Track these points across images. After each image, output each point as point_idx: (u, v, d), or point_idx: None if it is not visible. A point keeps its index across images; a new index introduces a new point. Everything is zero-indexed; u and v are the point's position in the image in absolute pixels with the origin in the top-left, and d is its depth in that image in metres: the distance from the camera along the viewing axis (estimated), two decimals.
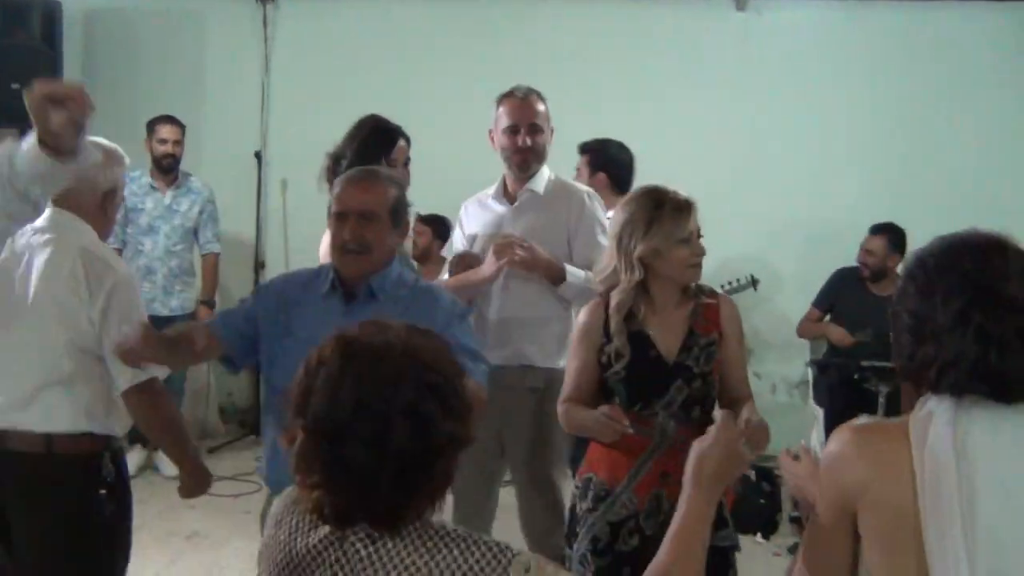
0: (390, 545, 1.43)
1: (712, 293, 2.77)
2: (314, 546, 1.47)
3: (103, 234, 2.77)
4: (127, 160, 2.83)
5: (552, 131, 3.45)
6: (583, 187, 3.57)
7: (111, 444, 2.64)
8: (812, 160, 6.21)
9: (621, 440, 2.56)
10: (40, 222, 2.65)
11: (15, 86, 3.32)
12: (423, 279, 2.82)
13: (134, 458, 5.08)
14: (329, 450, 1.41)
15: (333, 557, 1.45)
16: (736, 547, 2.72)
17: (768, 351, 6.20)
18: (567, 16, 6.34)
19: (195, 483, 2.80)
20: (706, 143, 6.16)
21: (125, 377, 2.59)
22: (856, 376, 4.83)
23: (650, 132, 6.01)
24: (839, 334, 5.23)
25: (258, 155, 6.56)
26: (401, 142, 3.29)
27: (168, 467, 5.30)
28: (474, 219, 3.52)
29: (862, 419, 1.66)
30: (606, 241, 2.91)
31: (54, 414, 2.52)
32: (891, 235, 5.16)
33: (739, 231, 5.93)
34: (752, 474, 4.69)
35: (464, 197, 3.66)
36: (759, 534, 4.74)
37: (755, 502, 4.73)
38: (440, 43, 6.43)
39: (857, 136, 6.20)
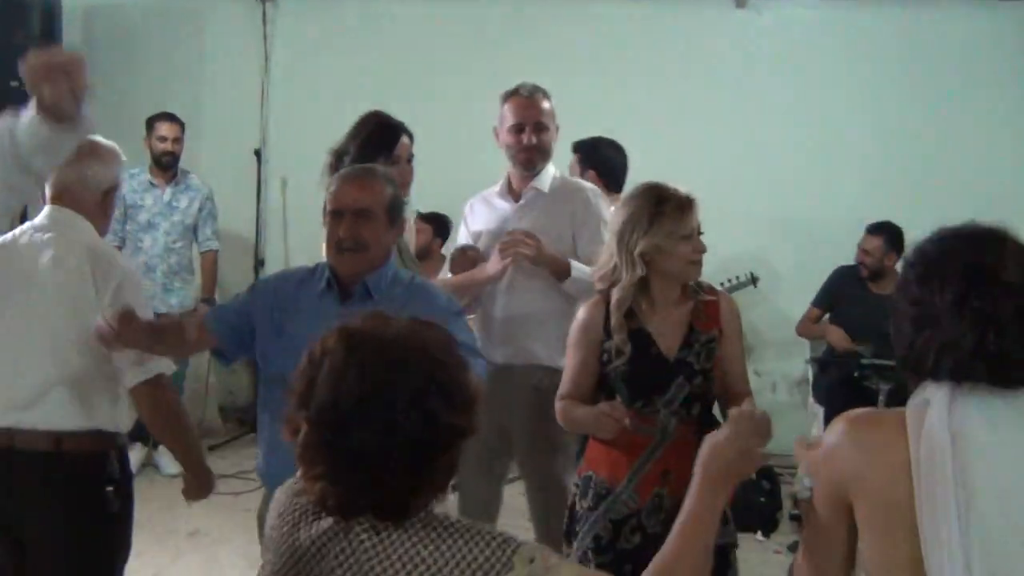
0: (394, 536, 1.43)
1: (711, 290, 2.77)
2: (318, 537, 1.47)
3: (101, 231, 2.77)
4: (123, 158, 2.82)
5: (557, 129, 3.44)
6: (588, 185, 3.57)
7: (117, 441, 2.64)
8: (812, 158, 6.20)
9: (620, 438, 2.56)
10: (40, 220, 2.66)
11: (14, 84, 3.33)
12: (419, 277, 2.81)
13: (134, 456, 5.05)
14: (333, 441, 1.41)
15: (338, 548, 1.45)
16: (735, 544, 2.72)
17: (768, 349, 6.20)
18: (567, 14, 6.34)
19: (200, 484, 2.79)
20: (706, 141, 6.16)
21: (134, 373, 2.59)
22: (857, 374, 4.82)
23: (650, 130, 6.02)
24: (838, 336, 5.21)
25: (258, 153, 6.55)
26: (404, 138, 3.29)
27: (169, 465, 5.31)
28: (479, 217, 3.52)
29: (859, 410, 1.66)
30: None
31: (63, 412, 2.51)
32: (888, 234, 5.15)
33: (739, 228, 5.92)
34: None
35: (463, 194, 3.65)
36: (759, 532, 4.74)
37: (755, 500, 4.73)
38: (439, 41, 6.43)
39: (857, 134, 6.20)
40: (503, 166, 3.52)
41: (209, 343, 2.65)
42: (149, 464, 5.48)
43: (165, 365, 2.66)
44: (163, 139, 5.62)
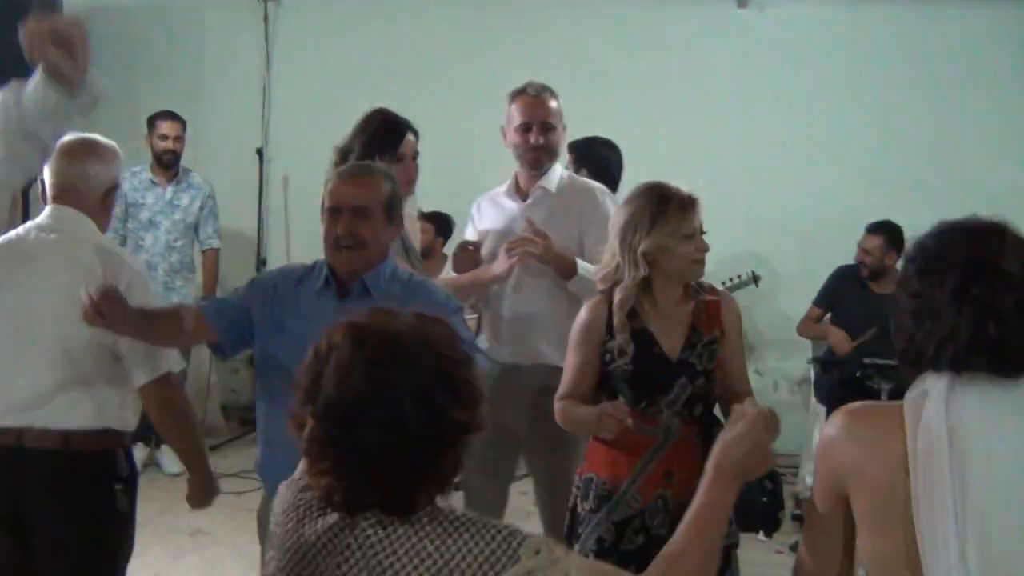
0: (400, 531, 1.43)
1: (713, 290, 2.76)
2: (324, 532, 1.47)
3: (102, 229, 2.77)
4: (121, 156, 2.82)
5: (565, 128, 3.43)
6: (596, 184, 3.56)
7: (124, 439, 2.65)
8: (813, 157, 6.20)
9: (622, 439, 2.56)
10: (45, 220, 2.65)
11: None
12: (417, 274, 2.80)
13: (136, 456, 5.08)
14: (339, 436, 1.41)
15: (344, 543, 1.45)
16: (736, 544, 2.72)
17: (770, 348, 6.20)
18: (569, 14, 6.34)
19: (203, 488, 2.79)
20: (707, 140, 6.16)
21: (144, 371, 2.59)
22: (858, 374, 4.82)
23: (651, 129, 6.03)
24: (838, 338, 5.20)
25: (260, 152, 6.55)
26: (409, 136, 3.26)
27: (170, 464, 5.31)
28: (487, 217, 3.51)
29: (859, 403, 1.67)
30: None
31: (74, 411, 2.51)
32: (888, 233, 5.15)
33: (741, 228, 5.92)
34: None
35: (465, 193, 3.65)
36: (762, 532, 4.74)
37: (758, 500, 4.72)
38: (441, 40, 6.43)
39: (858, 133, 6.20)
40: (506, 165, 3.51)
41: (207, 336, 2.63)
42: (151, 464, 5.49)
43: (173, 363, 2.67)
44: (164, 137, 5.62)
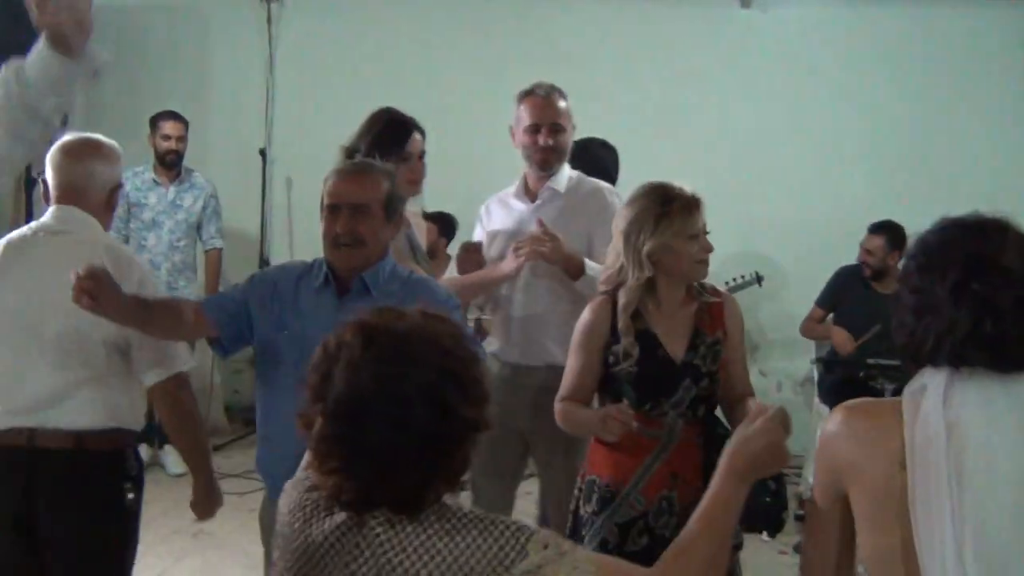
0: (409, 529, 1.43)
1: (715, 291, 2.76)
2: (331, 532, 1.47)
3: (105, 229, 2.77)
4: (123, 156, 2.82)
5: (574, 128, 3.43)
6: (605, 184, 3.55)
7: (133, 438, 2.66)
8: (817, 157, 6.19)
9: (625, 441, 2.55)
10: (52, 220, 2.64)
11: None
12: (416, 273, 2.79)
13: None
14: (349, 433, 1.42)
15: (353, 543, 1.45)
16: (740, 545, 2.71)
17: (773, 348, 6.20)
18: (571, 14, 6.33)
19: (208, 493, 2.79)
20: (711, 139, 6.15)
21: (156, 371, 2.60)
22: (862, 374, 4.82)
23: (655, 128, 6.03)
24: (842, 339, 5.19)
25: (263, 153, 6.55)
26: (416, 135, 3.25)
27: (174, 465, 5.32)
28: (496, 218, 3.50)
29: (858, 400, 1.67)
30: None
31: (86, 411, 2.52)
32: (890, 234, 5.13)
33: (744, 228, 5.92)
34: None
35: (469, 194, 3.65)
36: (765, 532, 4.72)
37: (761, 500, 4.71)
38: (445, 40, 6.42)
39: (862, 133, 6.19)
40: (510, 165, 3.51)
41: (207, 331, 2.60)
42: (154, 464, 5.48)
43: (184, 363, 2.67)
44: (167, 137, 5.62)
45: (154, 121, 5.66)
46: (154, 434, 5.26)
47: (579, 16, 6.31)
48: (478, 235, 3.56)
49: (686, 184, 2.65)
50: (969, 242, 1.56)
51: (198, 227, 5.78)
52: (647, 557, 2.44)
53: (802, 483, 4.97)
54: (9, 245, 2.62)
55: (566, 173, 3.43)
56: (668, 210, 2.57)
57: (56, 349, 2.51)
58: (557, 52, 6.09)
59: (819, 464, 1.66)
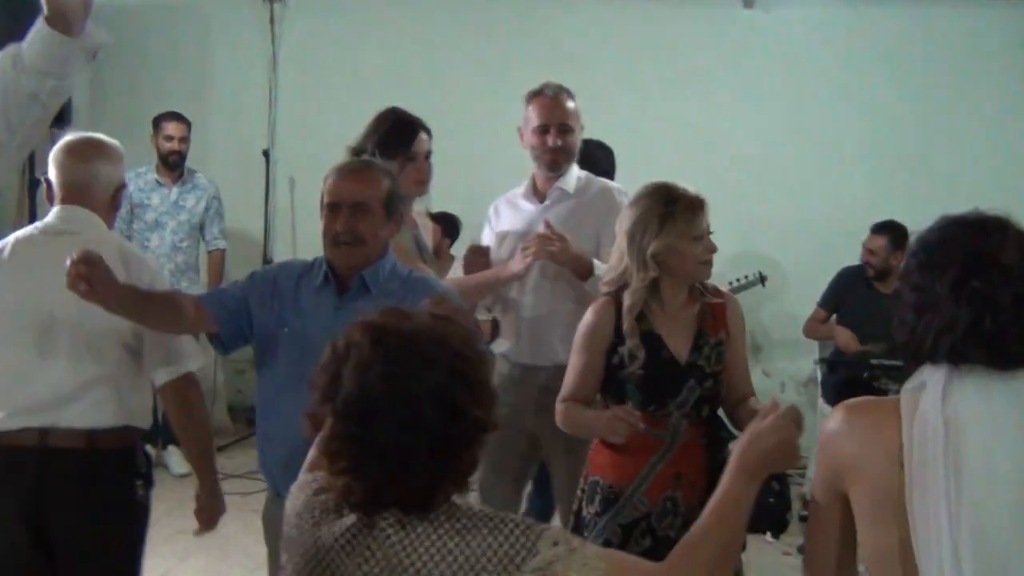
0: (420, 529, 1.44)
1: (717, 292, 2.76)
2: (342, 535, 1.47)
3: (108, 228, 2.78)
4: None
5: (582, 128, 3.42)
6: (614, 184, 3.54)
7: (141, 435, 2.67)
8: (820, 157, 6.18)
9: (629, 442, 2.55)
10: (59, 220, 2.64)
11: None
12: (416, 271, 2.77)
13: None
14: (358, 433, 1.42)
15: (364, 544, 1.45)
16: (743, 546, 2.71)
17: (777, 349, 6.19)
18: (573, 14, 6.33)
19: (212, 498, 2.78)
20: (714, 141, 6.14)
21: (166, 370, 2.61)
22: (866, 374, 4.81)
23: (657, 129, 6.02)
24: (846, 338, 5.19)
25: (266, 153, 6.55)
26: (422, 134, 3.24)
27: (178, 465, 5.32)
28: (504, 219, 3.50)
29: (859, 398, 1.67)
30: None
31: (99, 410, 2.52)
32: (893, 233, 5.13)
33: (747, 228, 5.92)
34: None
35: (473, 194, 3.65)
36: (768, 533, 4.72)
37: (765, 501, 4.70)
38: (448, 40, 6.43)
39: (865, 133, 6.18)
40: (513, 165, 3.51)
41: (207, 326, 2.58)
42: (158, 465, 5.48)
43: (194, 363, 2.67)
44: (170, 138, 5.62)
45: (157, 122, 5.67)
46: (158, 434, 5.25)
47: (581, 16, 6.31)
48: (487, 236, 3.55)
49: (688, 184, 2.65)
50: (969, 240, 1.57)
51: (201, 228, 5.78)
52: (650, 559, 2.44)
53: (806, 483, 4.97)
54: (15, 245, 2.61)
55: (575, 173, 3.43)
56: (672, 211, 2.56)
57: (69, 348, 2.51)
58: (559, 52, 6.08)
59: (819, 463, 1.66)
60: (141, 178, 5.56)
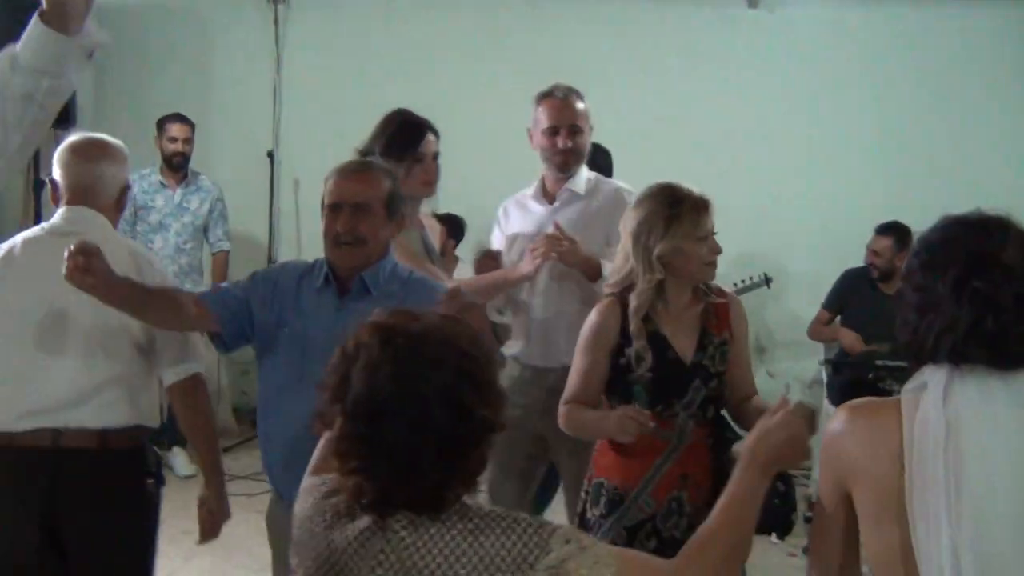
0: (432, 530, 1.44)
1: (720, 292, 2.76)
2: (355, 538, 1.48)
3: (114, 228, 2.78)
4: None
5: (592, 129, 3.42)
6: (624, 185, 3.54)
7: (151, 434, 2.68)
8: (825, 157, 6.19)
9: (636, 443, 2.54)
10: (66, 221, 2.63)
11: None
12: (417, 272, 2.76)
13: None
14: (369, 432, 1.43)
15: (377, 547, 1.45)
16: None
17: (782, 350, 6.19)
18: (577, 14, 6.33)
19: (220, 505, 2.78)
20: (718, 140, 6.14)
21: (176, 370, 2.62)
22: (871, 375, 4.81)
23: (661, 129, 6.02)
24: (850, 339, 5.18)
25: (270, 154, 6.56)
26: (430, 136, 3.24)
27: (183, 466, 5.33)
28: (514, 220, 3.50)
29: (861, 399, 1.67)
30: None
31: (111, 410, 2.53)
32: (897, 234, 5.13)
33: (752, 229, 5.90)
34: None
35: (478, 195, 3.64)
36: (774, 534, 4.72)
37: (770, 502, 4.71)
38: (453, 41, 6.43)
39: (869, 133, 6.18)
40: (517, 166, 3.51)
41: (209, 324, 2.57)
42: (163, 466, 5.48)
43: (201, 363, 2.69)
44: (174, 140, 5.63)
45: (160, 123, 5.68)
46: (164, 435, 5.25)
47: (586, 17, 6.32)
48: (496, 237, 3.55)
49: (693, 184, 2.65)
50: (971, 239, 1.57)
51: (205, 230, 5.79)
52: None
53: (811, 485, 4.96)
54: (23, 247, 2.61)
55: (584, 175, 3.43)
56: (678, 212, 2.56)
57: (82, 348, 2.52)
58: (564, 53, 6.09)
59: (823, 464, 1.66)
60: (145, 180, 5.57)
